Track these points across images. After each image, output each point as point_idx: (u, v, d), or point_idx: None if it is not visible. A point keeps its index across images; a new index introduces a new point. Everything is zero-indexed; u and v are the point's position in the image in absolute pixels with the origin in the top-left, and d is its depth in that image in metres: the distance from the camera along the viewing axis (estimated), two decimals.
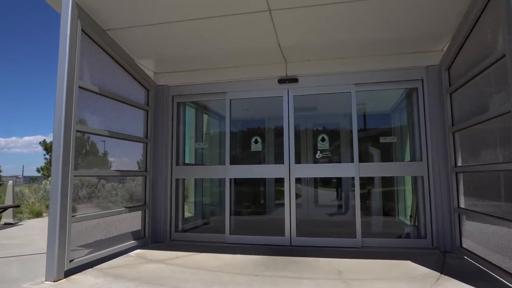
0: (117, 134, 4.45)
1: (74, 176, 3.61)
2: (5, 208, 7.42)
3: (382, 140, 5.28)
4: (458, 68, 4.05)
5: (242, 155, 7.17)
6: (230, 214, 5.11)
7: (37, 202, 11.28)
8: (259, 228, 6.40)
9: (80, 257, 3.70)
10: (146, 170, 5.06)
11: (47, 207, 9.82)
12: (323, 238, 4.79)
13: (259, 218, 7.52)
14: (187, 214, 6.54)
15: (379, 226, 6.08)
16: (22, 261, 4.21)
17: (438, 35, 4.27)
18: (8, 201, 7.96)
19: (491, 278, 3.20)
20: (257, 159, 6.98)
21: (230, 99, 5.25)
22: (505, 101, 2.96)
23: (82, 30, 3.73)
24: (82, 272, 3.58)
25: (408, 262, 3.84)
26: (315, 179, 7.08)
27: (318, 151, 5.38)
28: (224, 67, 5.22)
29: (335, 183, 7.09)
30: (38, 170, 24.57)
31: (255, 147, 5.59)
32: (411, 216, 5.31)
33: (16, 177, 40.60)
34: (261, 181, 7.60)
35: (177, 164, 5.42)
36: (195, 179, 6.66)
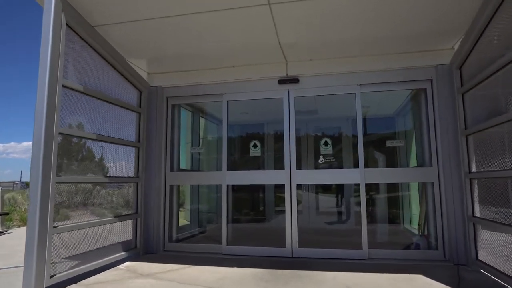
0: (106, 138, 4.15)
1: (57, 183, 3.31)
2: None
3: (389, 144, 4.97)
4: (471, 66, 3.78)
5: (240, 161, 6.88)
6: (228, 224, 4.80)
7: None
8: (258, 238, 6.07)
9: (63, 271, 3.38)
10: (137, 176, 4.75)
11: None
12: (327, 249, 4.48)
13: (258, 227, 7.21)
14: (183, 222, 6.24)
15: (386, 236, 5.77)
16: (0, 274, 3.89)
17: (448, 32, 4.00)
18: None
19: None
20: (256, 164, 6.69)
21: (228, 101, 4.96)
22: None
23: (67, 25, 3.46)
24: None
25: (420, 276, 3.53)
26: (317, 185, 6.78)
27: (321, 156, 5.08)
28: (221, 67, 4.94)
29: (338, 189, 6.78)
30: None
31: (254, 151, 5.30)
32: (419, 225, 5.00)
33: (14, 182, 40.13)
34: (260, 188, 7.31)
35: (172, 169, 5.11)
36: (192, 185, 6.36)
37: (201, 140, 6.82)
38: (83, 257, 3.71)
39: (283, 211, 4.65)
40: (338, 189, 6.81)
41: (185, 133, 6.22)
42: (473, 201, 3.82)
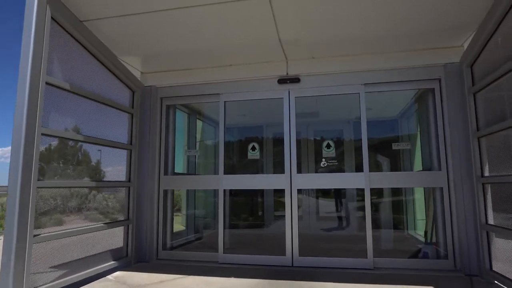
0: (95, 140, 3.90)
1: (38, 187, 3.06)
2: None
3: (395, 146, 4.73)
4: (484, 65, 3.56)
5: (238, 164, 6.63)
6: (224, 230, 4.54)
7: None
8: (257, 245, 5.82)
9: (45, 284, 3.12)
10: (129, 181, 4.50)
11: None
12: (329, 258, 4.22)
13: (257, 233, 6.95)
14: (179, 227, 5.98)
15: (390, 243, 5.52)
16: None
17: (458, 29, 3.78)
18: None
19: None
20: (255, 168, 6.44)
21: (225, 101, 4.72)
22: None
23: (52, 18, 3.22)
24: None
25: None
26: (318, 189, 6.52)
27: (323, 159, 4.84)
28: (218, 65, 4.71)
29: (340, 194, 6.53)
30: None
31: (252, 154, 5.05)
32: (425, 232, 4.76)
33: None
34: (259, 192, 7.06)
35: (166, 173, 4.86)
36: (188, 189, 6.11)
37: (197, 143, 6.58)
38: (69, 266, 3.46)
39: (283, 216, 4.41)
40: (340, 194, 6.56)
41: (182, 135, 5.99)
42: (486, 207, 3.57)
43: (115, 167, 4.37)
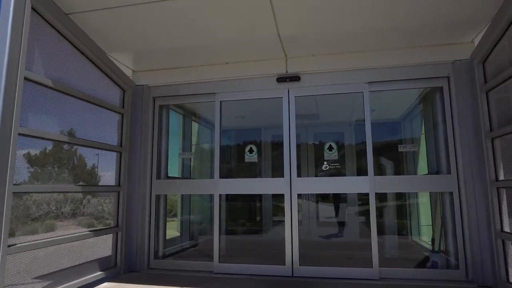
0: (82, 141, 3.64)
1: (14, 192, 2.78)
2: None
3: (401, 149, 4.48)
4: (497, 61, 3.32)
5: (235, 168, 6.38)
6: (220, 239, 4.27)
7: None
8: (254, 253, 5.54)
9: None
10: (119, 185, 4.22)
11: None
12: (332, 267, 3.95)
13: (254, 239, 6.68)
14: (174, 233, 5.70)
15: (396, 251, 5.25)
16: None
17: (468, 23, 3.54)
18: None
19: None
20: (253, 171, 6.19)
21: (221, 101, 4.47)
22: None
23: (33, 9, 2.97)
24: None
25: None
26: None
27: (325, 162, 4.58)
28: (213, 63, 4.45)
29: (342, 198, 6.28)
30: None
31: (250, 157, 4.79)
32: (433, 239, 4.50)
33: None
34: (257, 196, 6.80)
35: (158, 177, 4.59)
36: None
37: (193, 146, 6.32)
38: (51, 278, 3.18)
39: (281, 221, 4.15)
40: (340, 198, 6.30)
41: (176, 138, 5.73)
42: (501, 213, 3.32)
43: (104, 171, 4.12)
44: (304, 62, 4.24)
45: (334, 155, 4.41)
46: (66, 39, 3.45)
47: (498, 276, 3.30)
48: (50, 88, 3.21)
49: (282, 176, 4.16)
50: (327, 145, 4.42)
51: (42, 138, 3.18)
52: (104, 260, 3.97)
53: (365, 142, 4.02)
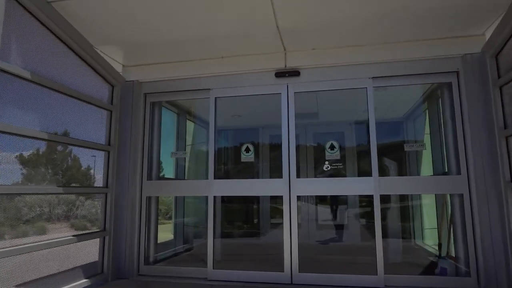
0: (63, 138, 3.38)
1: None
2: None
3: (407, 148, 4.24)
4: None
5: (231, 169, 6.13)
6: (214, 243, 4.02)
7: None
8: (251, 258, 5.29)
9: None
10: (106, 186, 3.96)
11: None
12: (333, 274, 3.70)
13: (251, 243, 6.41)
14: (168, 236, 5.44)
15: (400, 256, 5.00)
16: None
17: (479, 15, 3.31)
18: None
19: None
20: (250, 172, 5.94)
21: (216, 97, 4.22)
22: None
23: None
24: None
25: None
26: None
27: (326, 162, 4.33)
28: (208, 58, 4.20)
29: (343, 200, 6.03)
30: None
31: (246, 156, 4.53)
32: (440, 244, 4.26)
33: None
34: (254, 198, 6.55)
35: (149, 178, 4.33)
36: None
37: (188, 146, 6.06)
38: (32, 286, 2.92)
39: (280, 224, 3.90)
40: (341, 200, 6.06)
41: (171, 138, 5.48)
42: None
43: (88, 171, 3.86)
44: (304, 56, 4.00)
45: (336, 154, 4.16)
46: (49, 29, 3.19)
47: None
48: (28, 80, 2.95)
49: (281, 176, 3.91)
50: (328, 144, 4.17)
51: (18, 135, 2.91)
52: (90, 266, 3.71)
53: (368, 141, 3.78)
